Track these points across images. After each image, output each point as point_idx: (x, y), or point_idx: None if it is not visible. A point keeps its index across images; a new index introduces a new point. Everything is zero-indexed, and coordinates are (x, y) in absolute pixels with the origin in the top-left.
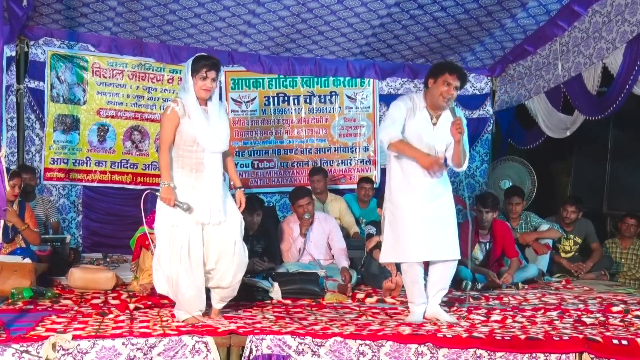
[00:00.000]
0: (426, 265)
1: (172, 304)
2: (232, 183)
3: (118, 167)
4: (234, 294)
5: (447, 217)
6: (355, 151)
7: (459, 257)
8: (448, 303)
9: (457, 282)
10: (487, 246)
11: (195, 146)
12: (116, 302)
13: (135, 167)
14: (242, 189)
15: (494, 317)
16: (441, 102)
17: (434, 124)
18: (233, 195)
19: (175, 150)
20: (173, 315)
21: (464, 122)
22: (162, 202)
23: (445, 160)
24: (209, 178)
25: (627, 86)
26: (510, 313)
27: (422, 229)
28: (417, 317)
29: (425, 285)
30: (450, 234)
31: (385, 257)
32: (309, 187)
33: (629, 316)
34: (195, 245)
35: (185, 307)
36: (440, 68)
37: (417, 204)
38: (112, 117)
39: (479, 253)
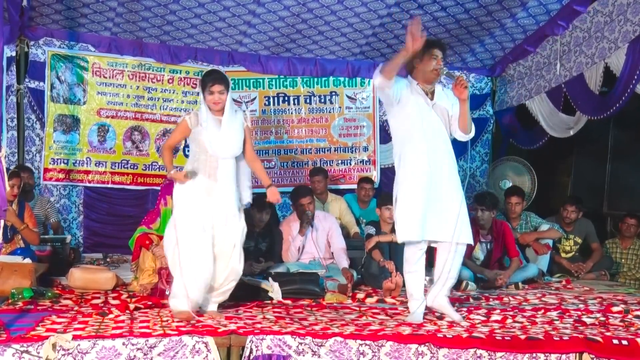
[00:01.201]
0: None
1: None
2: (261, 182)
3: (118, 168)
4: (226, 297)
5: (453, 202)
6: (355, 151)
7: (469, 242)
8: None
9: (457, 282)
10: (488, 246)
11: (209, 153)
12: (116, 302)
13: (135, 167)
14: (273, 186)
15: (494, 317)
16: (435, 75)
17: (431, 99)
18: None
19: (192, 156)
20: (173, 316)
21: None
22: (180, 199)
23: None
24: (221, 182)
25: (631, 85)
26: (511, 313)
27: (426, 210)
28: (417, 317)
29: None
30: (457, 218)
31: (398, 235)
32: (310, 188)
33: (629, 316)
34: (211, 244)
35: (188, 297)
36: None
37: (422, 187)
38: (113, 117)
39: (480, 253)
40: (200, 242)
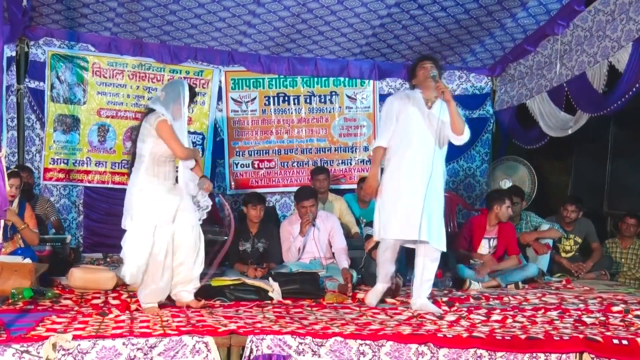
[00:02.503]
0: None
1: (172, 305)
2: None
3: (118, 168)
4: (198, 285)
5: (434, 208)
6: (356, 151)
7: (441, 248)
8: (449, 303)
9: (458, 282)
10: (493, 242)
11: (170, 158)
12: (116, 302)
13: None
14: (205, 176)
15: (495, 317)
16: (428, 81)
17: (429, 108)
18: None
19: (149, 159)
20: (174, 315)
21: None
22: (142, 203)
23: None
24: (177, 184)
25: (637, 84)
26: (511, 313)
27: (405, 212)
28: (373, 295)
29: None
30: (435, 223)
31: (375, 234)
32: (315, 189)
33: (629, 316)
34: (171, 243)
35: (156, 296)
36: (413, 67)
37: (404, 189)
38: (113, 117)
39: (484, 248)
40: (168, 255)
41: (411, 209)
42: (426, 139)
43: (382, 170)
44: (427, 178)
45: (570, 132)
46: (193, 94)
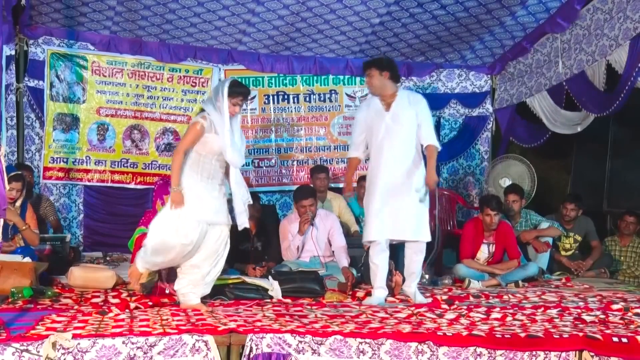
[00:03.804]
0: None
1: (172, 304)
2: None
3: (118, 167)
4: (208, 291)
5: (413, 204)
6: None
7: (423, 239)
8: (448, 301)
9: (460, 280)
10: (492, 247)
11: (217, 158)
12: (116, 301)
13: (135, 166)
14: None
15: (494, 315)
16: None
17: (386, 110)
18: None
19: (195, 156)
20: (173, 314)
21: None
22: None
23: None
24: (220, 185)
25: (630, 83)
26: (511, 311)
27: (384, 212)
28: (375, 300)
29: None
30: (413, 219)
31: (363, 238)
32: (314, 188)
33: (629, 314)
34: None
35: (148, 263)
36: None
37: (382, 191)
38: (112, 116)
39: (482, 253)
40: (198, 238)
41: (389, 208)
42: (392, 139)
43: None
44: (401, 176)
45: (579, 129)
46: (238, 90)
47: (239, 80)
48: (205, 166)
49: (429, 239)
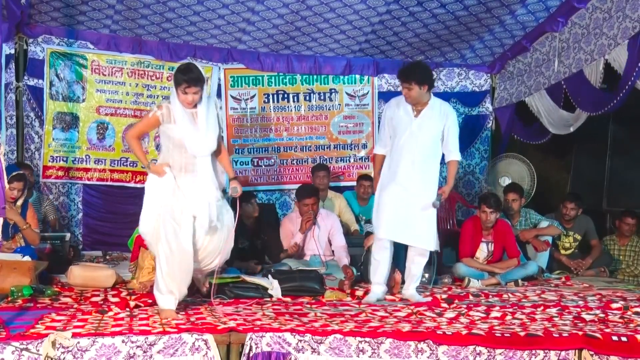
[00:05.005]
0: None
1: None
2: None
3: (117, 165)
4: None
5: (422, 210)
6: (355, 148)
7: (428, 248)
8: (448, 300)
9: (460, 279)
10: (491, 246)
11: (184, 149)
12: (116, 299)
13: (134, 165)
14: (236, 178)
15: (494, 314)
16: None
17: (415, 116)
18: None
19: (165, 151)
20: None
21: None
22: (153, 193)
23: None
24: (199, 178)
25: (630, 82)
26: (510, 310)
27: (395, 213)
28: (372, 295)
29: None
30: (423, 225)
31: (374, 228)
32: (317, 187)
33: (629, 313)
34: (190, 237)
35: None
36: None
37: (396, 192)
38: (112, 114)
39: (481, 252)
40: (177, 237)
41: (399, 210)
42: (413, 145)
43: None
44: (417, 183)
45: (572, 129)
46: (182, 77)
47: (190, 65)
48: (175, 158)
49: (436, 248)
